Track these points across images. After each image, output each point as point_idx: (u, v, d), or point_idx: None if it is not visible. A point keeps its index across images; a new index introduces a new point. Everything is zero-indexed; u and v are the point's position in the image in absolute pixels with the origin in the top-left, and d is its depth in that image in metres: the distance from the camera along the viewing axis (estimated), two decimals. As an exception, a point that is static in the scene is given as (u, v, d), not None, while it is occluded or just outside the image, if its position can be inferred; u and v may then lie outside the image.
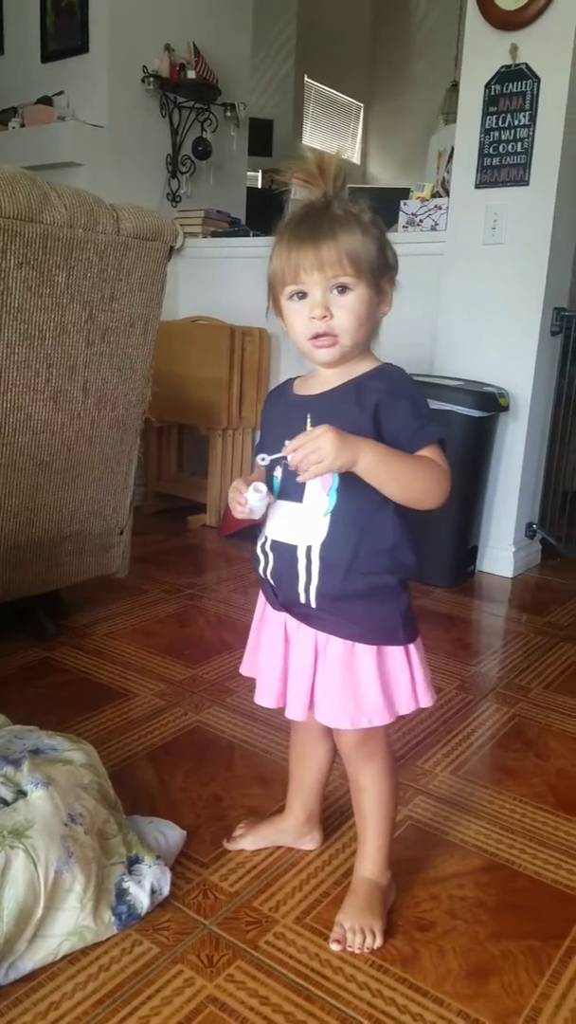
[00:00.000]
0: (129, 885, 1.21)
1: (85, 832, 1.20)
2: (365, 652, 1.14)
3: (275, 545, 1.15)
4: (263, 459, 1.10)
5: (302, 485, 1.11)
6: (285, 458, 1.05)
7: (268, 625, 1.23)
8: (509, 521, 3.01)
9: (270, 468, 1.16)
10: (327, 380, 1.13)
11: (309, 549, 1.11)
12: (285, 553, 1.14)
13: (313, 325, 1.06)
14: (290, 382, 1.21)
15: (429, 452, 1.08)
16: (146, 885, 1.22)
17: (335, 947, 1.19)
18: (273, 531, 1.16)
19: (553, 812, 1.55)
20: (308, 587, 1.13)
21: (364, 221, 1.07)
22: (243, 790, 1.58)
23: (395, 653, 1.16)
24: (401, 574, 1.14)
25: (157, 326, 2.19)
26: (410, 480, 1.06)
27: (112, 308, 2.03)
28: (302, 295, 1.07)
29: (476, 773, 1.67)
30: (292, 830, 1.40)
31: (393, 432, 1.07)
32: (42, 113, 3.46)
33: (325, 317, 1.05)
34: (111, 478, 2.24)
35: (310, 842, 1.40)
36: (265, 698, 1.23)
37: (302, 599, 1.14)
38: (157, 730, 1.77)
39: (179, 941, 1.19)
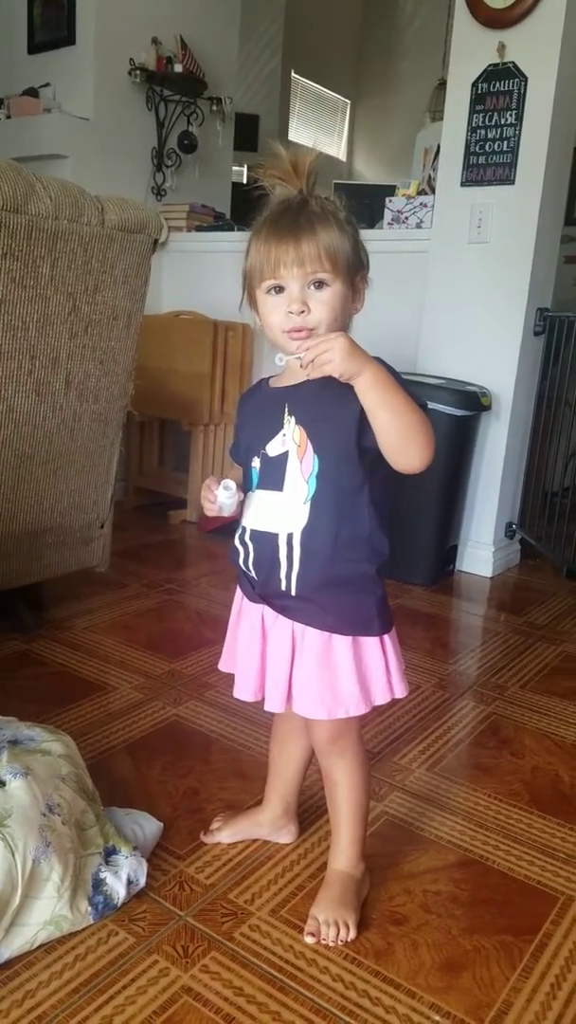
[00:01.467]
0: (106, 876, 1.22)
1: (63, 822, 1.20)
2: (341, 643, 1.16)
3: (255, 535, 1.17)
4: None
5: (281, 474, 1.12)
6: (298, 357, 1.06)
7: (245, 619, 1.24)
8: (489, 521, 3.02)
9: (248, 461, 1.17)
10: (303, 372, 1.13)
11: (290, 536, 1.13)
12: (266, 542, 1.15)
13: (290, 319, 1.08)
14: (263, 381, 1.23)
15: None
16: (123, 876, 1.23)
17: (309, 940, 1.19)
18: (253, 521, 1.17)
19: (527, 809, 1.57)
20: (290, 574, 1.14)
21: (340, 218, 1.09)
22: (220, 783, 1.58)
23: (371, 644, 1.17)
24: (377, 562, 1.15)
25: (140, 319, 2.19)
26: (404, 412, 1.04)
27: (96, 300, 2.03)
28: (279, 289, 1.08)
29: (452, 770, 1.69)
30: (269, 823, 1.41)
31: None
32: (28, 105, 3.44)
33: (303, 312, 1.07)
34: (92, 471, 2.23)
35: (286, 835, 1.41)
36: (243, 692, 1.24)
37: (283, 586, 1.15)
38: (135, 723, 1.78)
39: (155, 932, 1.20)
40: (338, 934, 1.20)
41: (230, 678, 1.29)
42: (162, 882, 1.30)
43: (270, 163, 1.10)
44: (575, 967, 1.18)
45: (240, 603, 1.27)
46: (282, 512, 1.13)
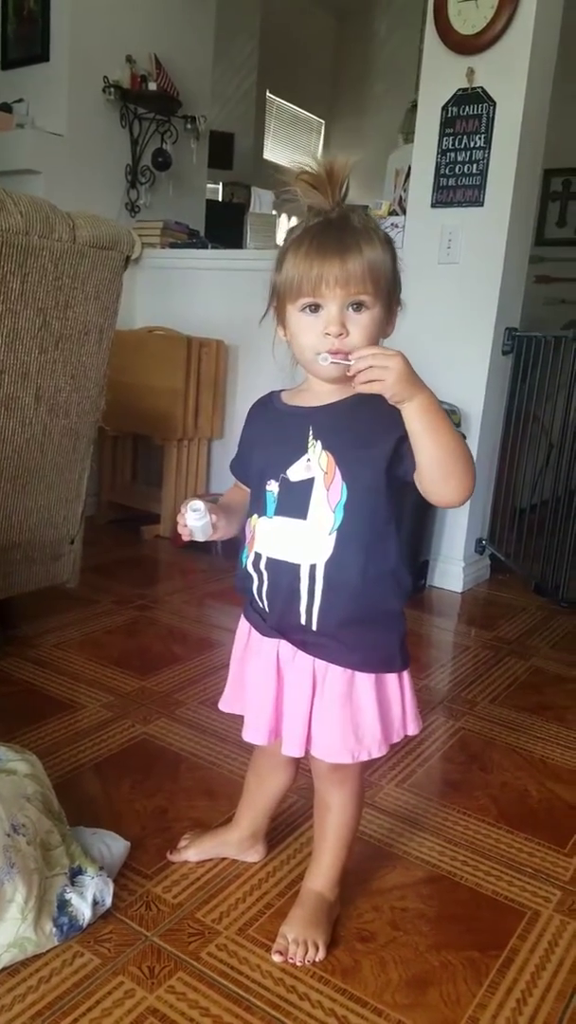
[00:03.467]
0: (71, 896, 1.20)
1: (28, 843, 1.19)
2: (365, 681, 1.12)
3: (271, 563, 1.11)
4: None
5: (305, 502, 1.07)
6: (349, 364, 0.99)
7: (256, 655, 1.19)
8: (459, 536, 3.05)
9: (262, 484, 1.12)
10: (325, 394, 1.09)
11: (313, 568, 1.08)
12: (285, 572, 1.10)
13: (326, 341, 1.02)
14: (275, 394, 1.18)
15: None
16: (88, 897, 1.21)
17: (277, 958, 1.19)
18: (269, 548, 1.11)
19: (495, 825, 1.57)
20: (311, 607, 1.09)
21: (382, 237, 1.04)
22: (189, 802, 1.57)
23: (391, 681, 1.15)
24: (403, 597, 1.13)
25: (112, 335, 2.19)
26: (451, 443, 1.00)
27: (67, 316, 2.02)
28: (315, 308, 1.03)
29: (421, 786, 1.69)
30: (236, 843, 1.40)
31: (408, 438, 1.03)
32: (1, 120, 3.44)
33: (341, 335, 1.02)
34: (62, 487, 2.23)
35: (254, 855, 1.40)
36: (256, 734, 1.18)
37: (302, 620, 1.10)
38: (104, 742, 1.76)
39: (121, 953, 1.18)
40: (307, 954, 1.19)
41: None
42: (128, 902, 1.29)
43: (303, 170, 1.04)
44: (540, 982, 1.18)
45: (247, 637, 1.22)
46: (304, 542, 1.08)
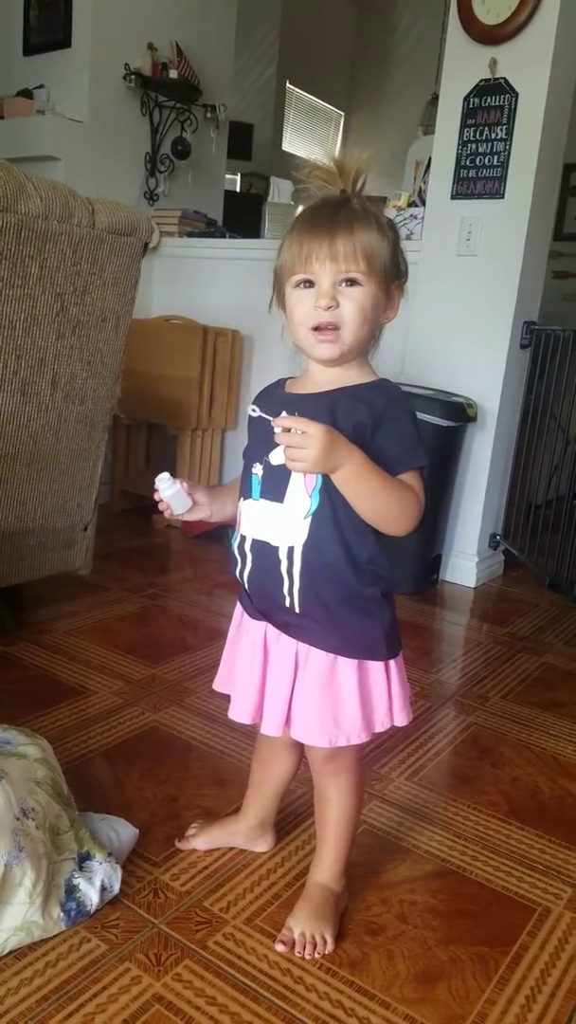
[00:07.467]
0: (79, 882, 1.20)
1: (37, 827, 1.19)
2: (346, 666, 1.12)
3: (255, 545, 1.12)
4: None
5: (283, 486, 1.08)
6: (269, 422, 1.02)
7: (245, 637, 1.20)
8: (473, 531, 3.03)
9: (249, 467, 1.14)
10: (319, 382, 1.10)
11: (291, 550, 1.08)
12: (266, 554, 1.11)
13: (317, 314, 1.03)
14: (282, 382, 1.18)
15: (409, 478, 1.06)
16: (96, 882, 1.21)
17: (280, 948, 1.18)
18: (252, 530, 1.12)
19: (506, 820, 1.56)
20: (292, 589, 1.09)
21: (381, 221, 1.05)
22: (198, 790, 1.57)
23: (376, 668, 1.14)
24: (383, 586, 1.12)
25: (129, 322, 2.18)
26: (380, 498, 1.03)
27: (84, 302, 2.02)
28: (309, 284, 1.04)
29: (432, 780, 1.68)
30: (244, 833, 1.39)
31: (378, 450, 1.04)
32: (22, 106, 3.43)
33: (331, 307, 1.02)
34: (77, 473, 2.22)
35: (262, 844, 1.40)
36: (240, 713, 1.20)
37: (285, 603, 1.11)
38: (114, 728, 1.76)
39: (128, 939, 1.18)
40: (315, 948, 1.18)
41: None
42: (136, 889, 1.28)
43: (315, 165, 1.06)
44: (551, 979, 1.17)
45: (240, 620, 1.23)
46: (283, 524, 1.09)
